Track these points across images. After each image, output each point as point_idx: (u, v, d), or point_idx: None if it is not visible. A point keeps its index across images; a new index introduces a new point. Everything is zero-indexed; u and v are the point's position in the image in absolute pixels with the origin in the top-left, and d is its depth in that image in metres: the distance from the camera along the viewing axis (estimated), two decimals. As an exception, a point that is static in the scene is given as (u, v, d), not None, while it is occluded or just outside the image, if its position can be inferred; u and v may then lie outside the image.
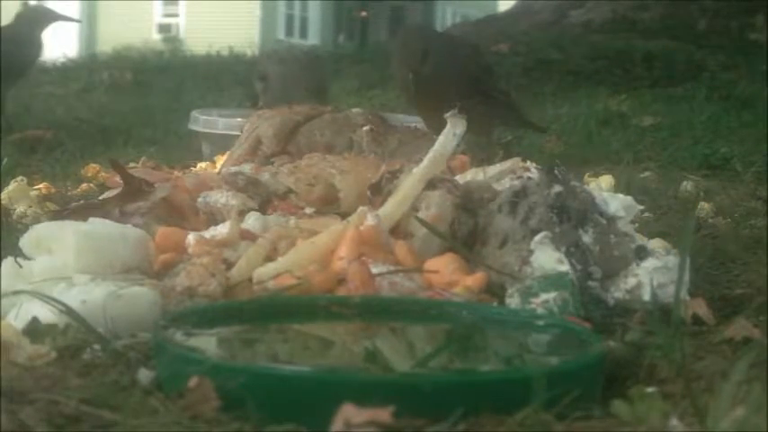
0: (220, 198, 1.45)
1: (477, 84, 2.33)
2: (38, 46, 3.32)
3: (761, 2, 6.55)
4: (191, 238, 1.26)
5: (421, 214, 1.29)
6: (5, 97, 3.21)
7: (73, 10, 14.78)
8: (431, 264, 1.23)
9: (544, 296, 1.14)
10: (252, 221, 1.34)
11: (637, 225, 1.34)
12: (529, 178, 1.28)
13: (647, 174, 2.44)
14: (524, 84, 5.03)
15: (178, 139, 3.11)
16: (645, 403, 0.83)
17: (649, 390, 0.89)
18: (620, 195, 1.34)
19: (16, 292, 1.07)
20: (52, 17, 3.40)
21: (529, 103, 4.13)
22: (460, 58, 2.31)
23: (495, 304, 1.17)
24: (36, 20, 3.31)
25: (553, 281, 1.15)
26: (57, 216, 1.48)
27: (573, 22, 6.88)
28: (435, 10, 23.59)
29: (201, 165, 2.35)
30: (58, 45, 9.88)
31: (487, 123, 2.40)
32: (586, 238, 1.22)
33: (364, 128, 1.84)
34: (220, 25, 18.20)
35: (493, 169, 1.48)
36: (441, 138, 1.37)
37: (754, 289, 1.29)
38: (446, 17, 22.74)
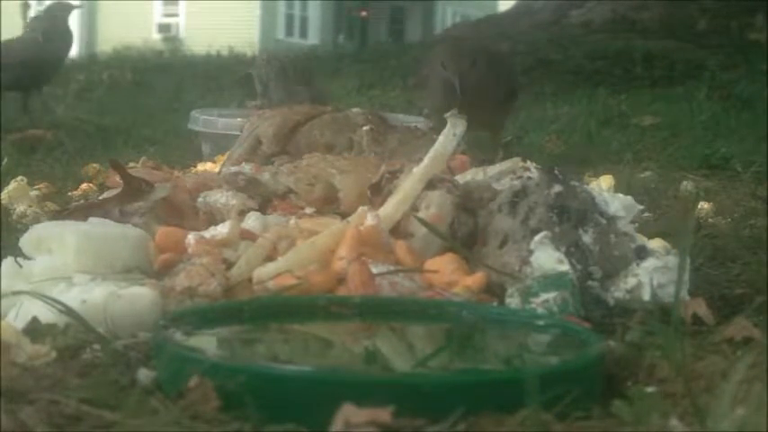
0: (220, 198, 1.45)
1: (510, 89, 2.55)
2: (69, 38, 3.35)
3: (761, 2, 6.55)
4: (191, 238, 1.26)
5: (421, 214, 1.28)
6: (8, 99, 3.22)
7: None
8: (431, 264, 1.23)
9: (544, 296, 1.14)
10: (252, 221, 1.34)
11: (637, 225, 1.34)
12: (529, 178, 1.28)
13: (647, 174, 2.44)
14: (524, 84, 5.03)
15: (178, 139, 3.10)
16: (645, 403, 0.83)
17: (649, 390, 0.89)
18: (620, 195, 1.34)
19: (16, 292, 1.07)
20: (71, 7, 3.42)
21: (529, 103, 4.14)
22: (498, 64, 2.55)
23: (495, 304, 1.17)
24: (65, 11, 3.34)
25: (553, 281, 1.15)
26: (57, 216, 1.48)
27: (573, 22, 6.89)
28: (435, 10, 23.58)
29: (202, 165, 2.34)
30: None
31: (503, 118, 2.54)
32: (586, 238, 1.22)
33: (364, 128, 1.83)
34: (220, 25, 18.20)
35: (493, 169, 1.48)
36: (441, 138, 1.37)
37: (754, 289, 1.29)
38: (446, 17, 22.72)
